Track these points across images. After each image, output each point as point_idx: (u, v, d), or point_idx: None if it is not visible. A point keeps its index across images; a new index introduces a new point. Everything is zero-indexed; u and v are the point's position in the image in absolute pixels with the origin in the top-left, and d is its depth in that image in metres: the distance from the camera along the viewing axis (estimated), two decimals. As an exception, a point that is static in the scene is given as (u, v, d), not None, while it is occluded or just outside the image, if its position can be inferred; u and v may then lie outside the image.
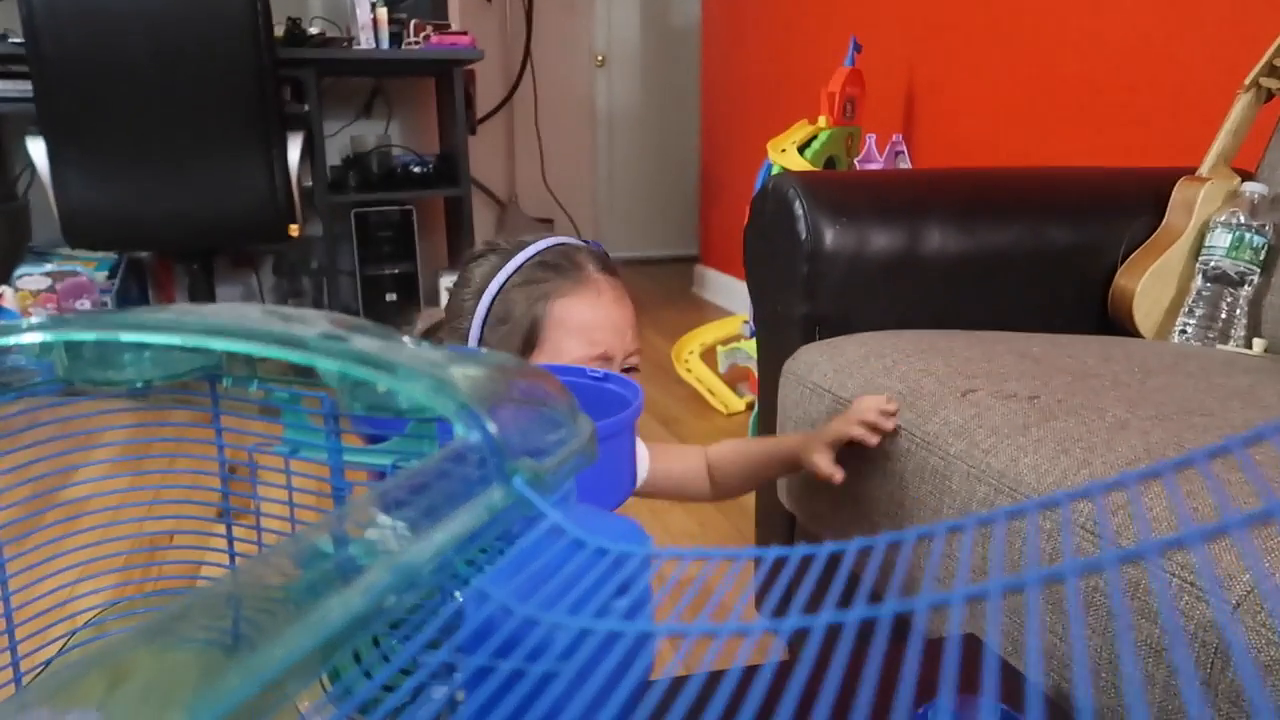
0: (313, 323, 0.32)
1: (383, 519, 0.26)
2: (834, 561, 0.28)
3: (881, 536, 0.29)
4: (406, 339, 0.37)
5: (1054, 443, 0.72)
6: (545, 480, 0.30)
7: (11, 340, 0.37)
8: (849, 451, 0.92)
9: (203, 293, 2.66)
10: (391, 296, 2.88)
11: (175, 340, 0.32)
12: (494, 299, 0.83)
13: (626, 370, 0.85)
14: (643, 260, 4.63)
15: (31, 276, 2.61)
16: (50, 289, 2.60)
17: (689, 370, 2.45)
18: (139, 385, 0.37)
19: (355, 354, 0.30)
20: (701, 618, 0.27)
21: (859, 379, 0.95)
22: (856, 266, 1.12)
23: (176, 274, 2.94)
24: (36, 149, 2.29)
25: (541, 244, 0.87)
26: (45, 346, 0.36)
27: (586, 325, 0.82)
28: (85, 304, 2.65)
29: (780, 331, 1.16)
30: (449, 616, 0.24)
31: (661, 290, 3.96)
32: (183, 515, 0.44)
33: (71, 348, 0.38)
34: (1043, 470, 0.70)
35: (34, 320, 0.37)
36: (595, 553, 0.28)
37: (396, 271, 2.88)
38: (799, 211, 1.11)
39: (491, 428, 0.29)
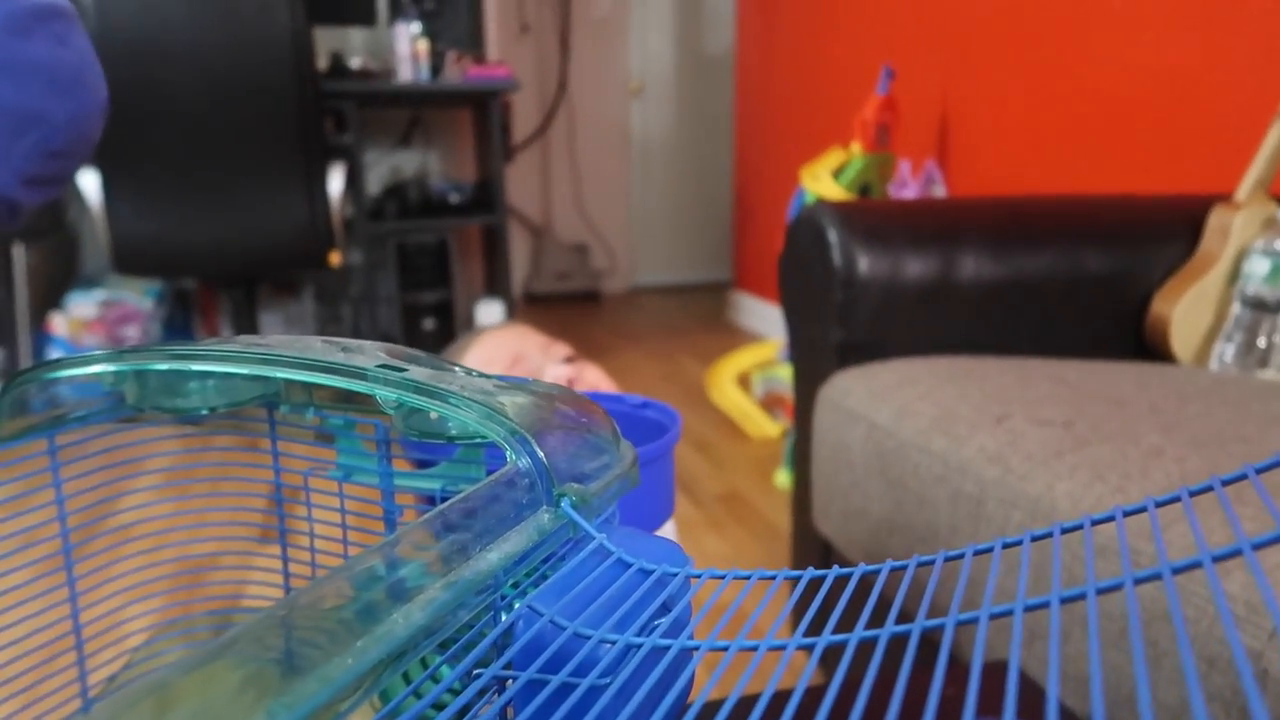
0: (370, 353, 0.34)
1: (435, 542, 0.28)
2: (867, 586, 0.30)
3: (912, 559, 0.30)
4: (457, 368, 0.39)
5: (1089, 469, 0.73)
6: (591, 504, 0.31)
7: (87, 370, 0.39)
8: (884, 478, 0.93)
9: (246, 319, 2.72)
10: (429, 323, 2.93)
11: (243, 370, 0.34)
12: None
13: (568, 360, 0.88)
14: (677, 286, 4.66)
15: (82, 305, 2.68)
16: (100, 317, 2.67)
17: (724, 396, 2.46)
18: (204, 412, 0.39)
19: (411, 383, 0.32)
20: (739, 638, 0.28)
21: (893, 405, 0.96)
22: (891, 293, 1.13)
23: (221, 301, 3.00)
24: (87, 181, 2.36)
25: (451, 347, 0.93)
26: (120, 375, 0.38)
27: (481, 362, 0.86)
28: (133, 331, 2.71)
29: (815, 358, 1.17)
30: (498, 633, 0.25)
31: (696, 316, 3.98)
32: (232, 537, 0.46)
33: (140, 376, 0.40)
34: (1077, 496, 0.70)
35: (104, 351, 0.39)
36: (639, 573, 0.29)
37: (434, 299, 2.92)
38: (833, 239, 1.13)
39: (540, 453, 0.31)
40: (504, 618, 0.28)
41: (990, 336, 1.17)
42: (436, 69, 2.80)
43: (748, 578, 0.31)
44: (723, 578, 0.29)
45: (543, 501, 0.30)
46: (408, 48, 2.71)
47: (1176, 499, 0.30)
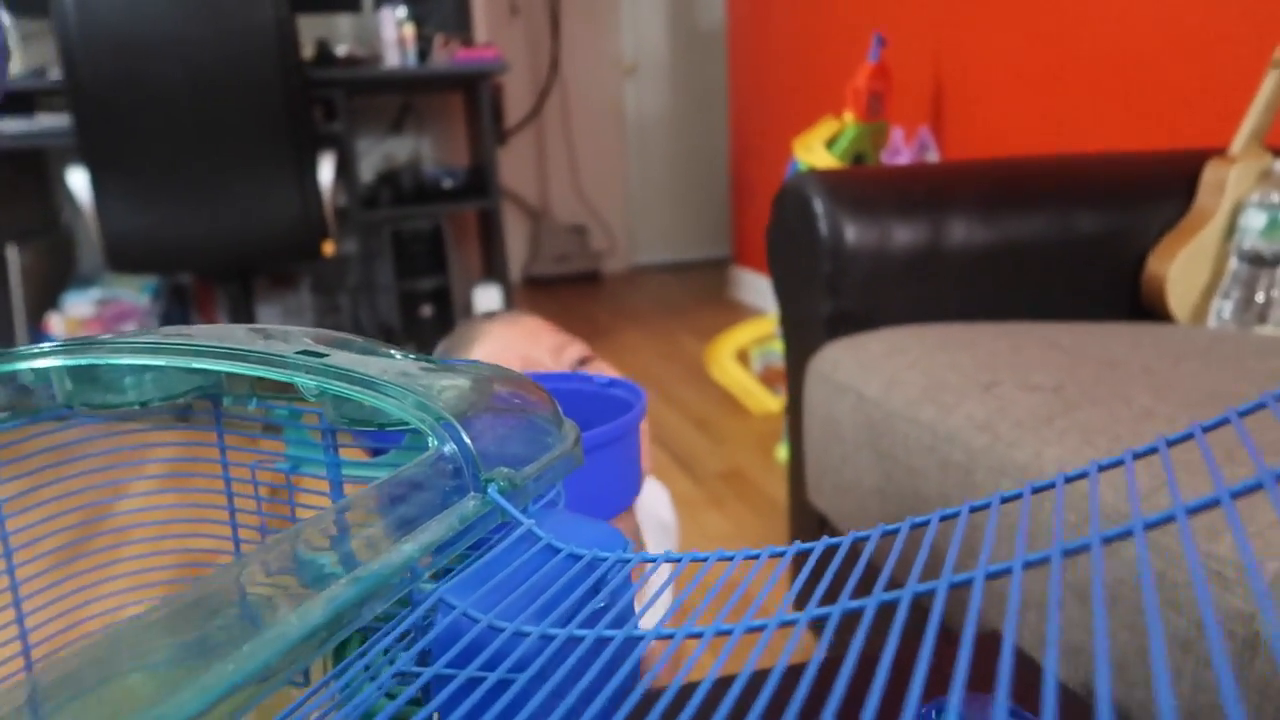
0: (294, 340, 0.33)
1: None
2: (859, 557, 0.28)
3: (905, 521, 0.29)
4: (395, 352, 0.38)
5: (1078, 434, 0.71)
6: (523, 488, 0.30)
7: (19, 366, 0.38)
8: (874, 450, 0.91)
9: (243, 313, 2.71)
10: (427, 310, 2.91)
11: (161, 362, 0.32)
12: None
13: (581, 364, 0.81)
14: (677, 264, 4.63)
15: (78, 304, 2.67)
16: (96, 315, 2.67)
17: (723, 372, 2.45)
18: (137, 406, 0.38)
19: (331, 369, 0.30)
20: (716, 621, 0.26)
21: (882, 375, 0.94)
22: (879, 262, 1.11)
23: (218, 296, 2.99)
24: (77, 179, 2.35)
25: (442, 343, 0.87)
26: (40, 373, 0.37)
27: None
28: (130, 328, 2.70)
29: (805, 331, 1.15)
30: (403, 628, 0.24)
31: (696, 293, 3.96)
32: (186, 534, 0.45)
33: (74, 372, 0.39)
34: (1065, 462, 0.69)
35: (39, 347, 0.38)
36: (568, 559, 0.28)
37: (431, 286, 2.90)
38: (818, 209, 1.11)
39: (465, 438, 0.29)
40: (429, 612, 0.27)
41: (983, 303, 1.15)
42: (424, 53, 2.78)
43: (705, 559, 0.29)
44: (654, 560, 0.27)
45: (469, 488, 0.29)
46: (394, 32, 2.68)
47: (1154, 449, 0.28)
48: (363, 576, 0.23)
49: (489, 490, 0.29)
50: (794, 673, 0.48)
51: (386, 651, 0.25)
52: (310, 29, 2.77)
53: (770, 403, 2.35)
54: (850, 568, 0.25)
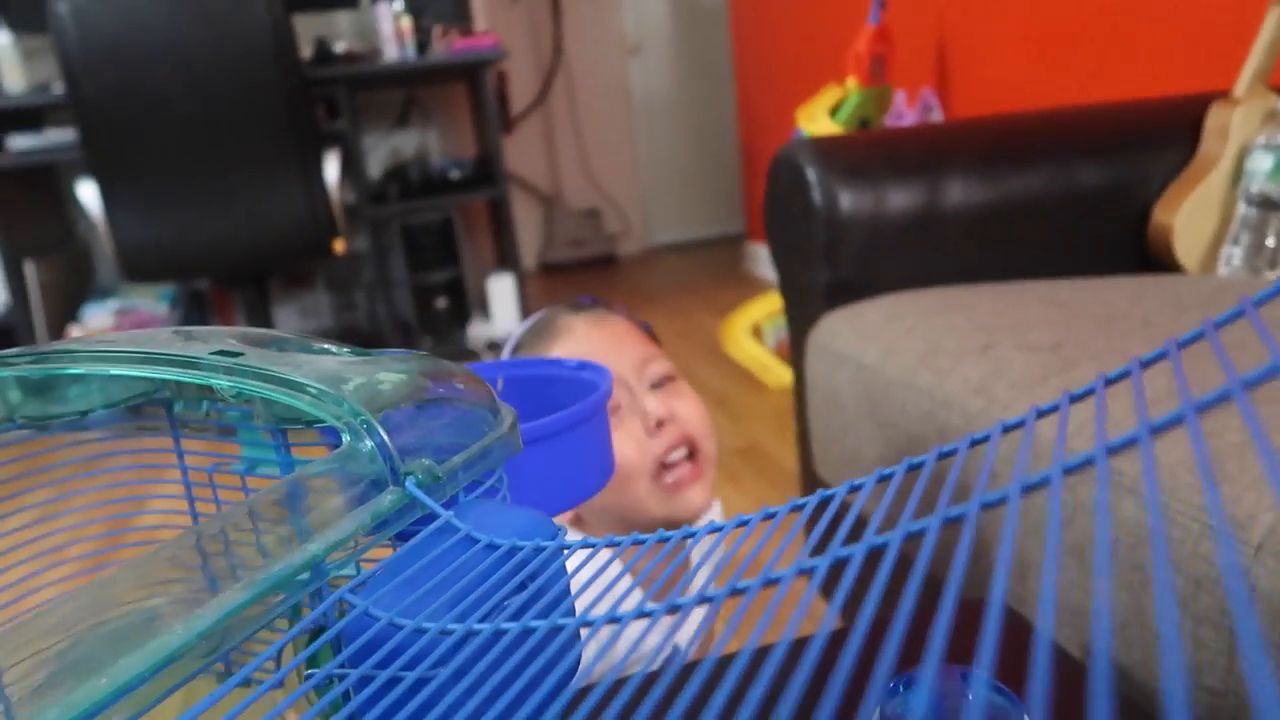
0: (215, 339, 0.32)
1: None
2: (866, 514, 0.27)
3: (902, 463, 0.28)
4: (330, 347, 0.37)
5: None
6: (445, 480, 0.29)
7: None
8: (874, 419, 0.90)
9: (259, 315, 2.73)
10: (442, 303, 2.92)
11: (80, 370, 0.32)
12: None
13: (658, 386, 0.77)
14: (693, 243, 4.61)
15: (98, 315, 2.70)
16: (116, 325, 2.69)
17: (739, 348, 2.43)
18: (79, 415, 0.38)
19: (247, 369, 0.30)
20: (673, 599, 0.26)
21: (880, 343, 0.93)
22: (876, 228, 1.09)
23: (234, 299, 3.02)
24: (87, 192, 2.37)
25: (523, 325, 0.82)
26: (-19, 386, 0.36)
27: None
28: (150, 337, 2.73)
29: (805, 302, 1.14)
30: (300, 629, 0.24)
31: (712, 271, 3.94)
32: (149, 542, 0.45)
33: (23, 383, 0.39)
34: (1058, 422, 0.67)
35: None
36: (485, 549, 0.27)
37: (444, 278, 2.91)
38: (811, 178, 1.09)
39: (383, 433, 0.29)
40: (339, 610, 0.27)
41: (984, 264, 1.13)
42: (424, 45, 2.77)
43: (666, 539, 0.29)
44: (569, 548, 0.26)
45: (388, 482, 0.28)
46: (391, 26, 2.68)
47: (1127, 373, 0.27)
48: (257, 579, 0.23)
49: (406, 483, 0.28)
50: (796, 647, 0.48)
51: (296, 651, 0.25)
52: (309, 27, 2.77)
53: (786, 376, 2.33)
54: (856, 527, 0.25)
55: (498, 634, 0.22)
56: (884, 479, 0.29)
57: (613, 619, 0.24)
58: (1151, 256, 1.17)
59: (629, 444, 0.73)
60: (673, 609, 0.23)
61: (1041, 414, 0.31)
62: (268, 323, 2.76)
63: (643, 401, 0.75)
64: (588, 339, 0.77)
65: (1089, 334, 0.80)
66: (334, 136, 2.65)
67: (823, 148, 1.12)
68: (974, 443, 0.30)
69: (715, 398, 2.30)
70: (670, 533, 0.28)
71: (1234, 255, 1.10)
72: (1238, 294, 0.91)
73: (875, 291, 1.08)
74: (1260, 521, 0.50)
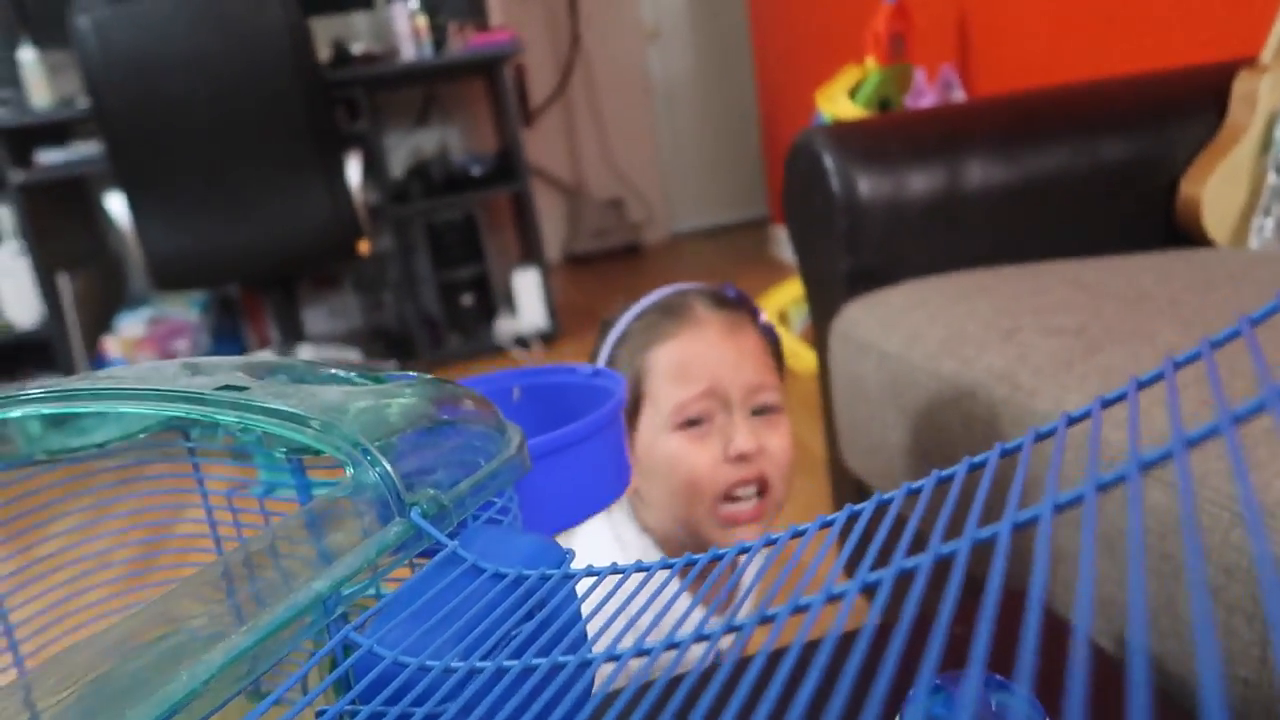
0: (222, 372, 0.33)
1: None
2: (902, 517, 0.27)
3: (931, 476, 0.28)
4: (339, 372, 0.37)
5: (1099, 378, 0.68)
6: (451, 508, 0.29)
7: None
8: (898, 407, 0.89)
9: (288, 318, 2.75)
10: (468, 299, 2.93)
11: (86, 409, 0.33)
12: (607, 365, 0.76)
13: (759, 413, 0.74)
14: (717, 228, 4.59)
15: (130, 325, 2.74)
16: (148, 334, 2.73)
17: (766, 335, 2.42)
18: (98, 447, 0.38)
19: (251, 404, 0.30)
20: (654, 635, 0.26)
21: (903, 331, 0.92)
22: (896, 214, 1.08)
23: (264, 303, 3.05)
24: (116, 203, 2.40)
25: (651, 298, 0.79)
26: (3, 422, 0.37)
27: (681, 363, 0.73)
28: (183, 344, 2.77)
29: (826, 290, 1.13)
30: (306, 670, 0.24)
31: (737, 256, 3.92)
32: (178, 564, 0.45)
33: (45, 418, 0.39)
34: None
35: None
36: (492, 578, 0.27)
37: (469, 274, 2.92)
38: (829, 165, 1.08)
39: (385, 464, 0.29)
40: (347, 647, 0.27)
41: (1007, 246, 1.11)
42: (440, 43, 2.77)
43: (645, 570, 0.28)
44: (572, 577, 0.26)
45: (394, 513, 0.28)
46: (407, 26, 2.68)
47: (1160, 376, 0.26)
48: (261, 624, 0.23)
49: (411, 514, 0.28)
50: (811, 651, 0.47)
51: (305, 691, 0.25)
52: (325, 30, 2.78)
53: (814, 361, 2.32)
54: (893, 534, 0.24)
55: (501, 670, 0.22)
56: (944, 480, 0.28)
57: (612, 657, 0.24)
58: (1180, 231, 1.15)
59: (705, 462, 0.72)
60: (732, 629, 0.23)
61: (1076, 419, 0.31)
62: (296, 325, 2.79)
63: (736, 428, 0.72)
64: (716, 346, 0.74)
65: (1115, 316, 0.78)
66: (355, 138, 2.67)
67: (840, 133, 1.11)
68: (1039, 437, 0.29)
69: (743, 385, 2.30)
70: (722, 550, 0.27)
71: (1266, 226, 1.08)
72: (1270, 267, 0.90)
73: (897, 278, 1.07)
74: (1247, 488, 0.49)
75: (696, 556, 0.26)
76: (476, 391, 0.35)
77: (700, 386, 0.72)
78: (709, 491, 0.72)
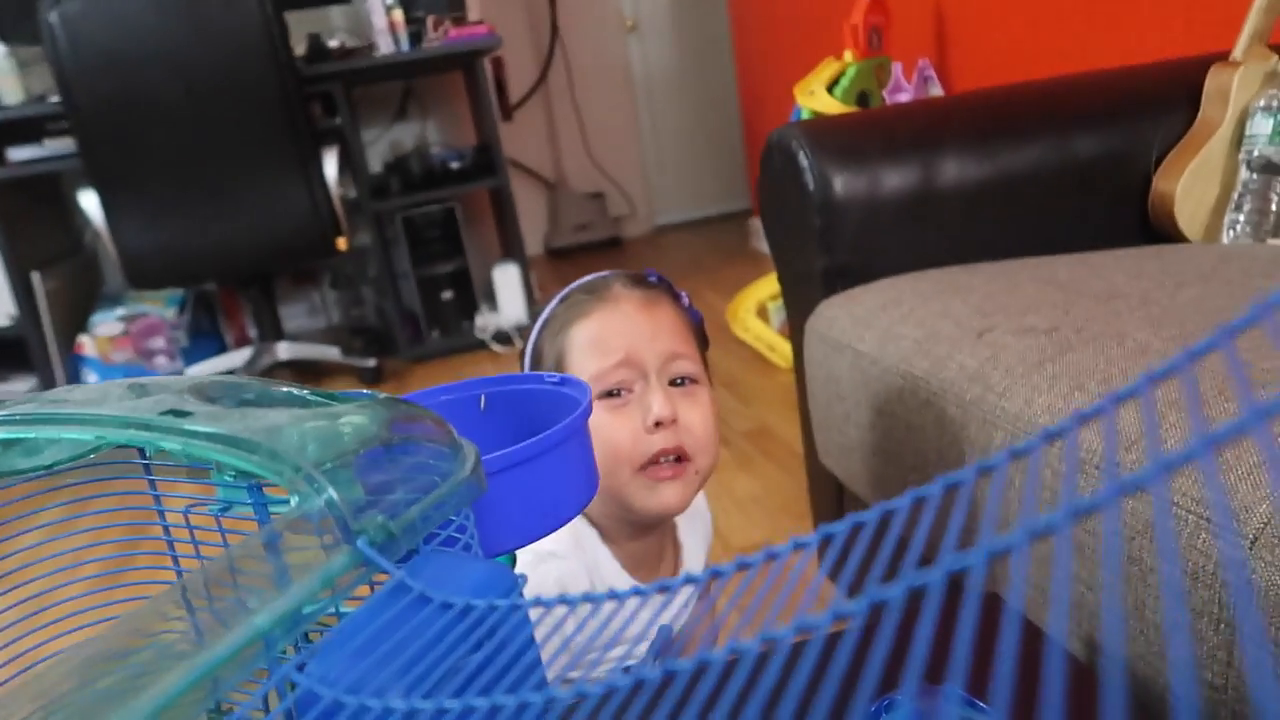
0: (166, 396, 0.32)
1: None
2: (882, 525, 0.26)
3: (907, 495, 0.27)
4: (292, 390, 0.37)
5: (1069, 379, 0.68)
6: (401, 534, 0.29)
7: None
8: (873, 408, 0.89)
9: (266, 316, 2.73)
10: (448, 294, 2.91)
11: (31, 434, 0.32)
12: (532, 352, 0.78)
13: (678, 384, 0.75)
14: (697, 221, 4.59)
15: (106, 323, 2.72)
16: (124, 333, 2.71)
17: (745, 329, 2.42)
18: (45, 470, 0.37)
19: (191, 430, 0.29)
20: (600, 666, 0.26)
21: (876, 330, 0.92)
22: (871, 211, 1.08)
23: (241, 301, 3.02)
24: (89, 201, 2.37)
25: (570, 286, 0.81)
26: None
27: (597, 336, 0.74)
28: (159, 343, 2.74)
29: (803, 288, 1.13)
30: (247, 709, 0.23)
31: (719, 249, 3.92)
32: (132, 582, 0.45)
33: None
34: (1056, 410, 0.66)
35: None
36: (440, 609, 0.27)
37: (450, 269, 2.90)
38: (804, 162, 1.08)
39: (332, 491, 0.28)
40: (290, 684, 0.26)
41: (983, 242, 1.11)
42: (418, 36, 2.75)
43: (591, 600, 0.28)
44: (519, 605, 0.26)
45: (341, 542, 0.28)
46: (383, 19, 2.66)
47: (1135, 393, 0.26)
48: (197, 665, 0.22)
49: (359, 542, 0.28)
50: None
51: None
52: (301, 24, 2.75)
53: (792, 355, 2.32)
54: (873, 546, 0.24)
55: (441, 710, 0.22)
56: (919, 501, 0.28)
57: (580, 695, 0.23)
58: (1154, 226, 1.15)
59: (625, 433, 0.72)
60: (702, 665, 0.23)
61: (1053, 435, 0.30)
62: (275, 323, 2.77)
63: (653, 395, 0.73)
64: (630, 317, 0.76)
65: (1087, 314, 0.78)
66: (332, 133, 2.65)
67: (815, 130, 1.11)
68: (1015, 454, 0.28)
69: (725, 380, 2.30)
70: (697, 575, 0.27)
71: (1238, 222, 1.08)
72: (1240, 263, 0.90)
73: (873, 275, 1.07)
74: (1257, 513, 0.49)
75: (645, 588, 0.26)
76: (431, 410, 0.34)
77: (616, 357, 0.73)
78: (630, 461, 0.72)
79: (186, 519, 0.43)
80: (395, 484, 0.31)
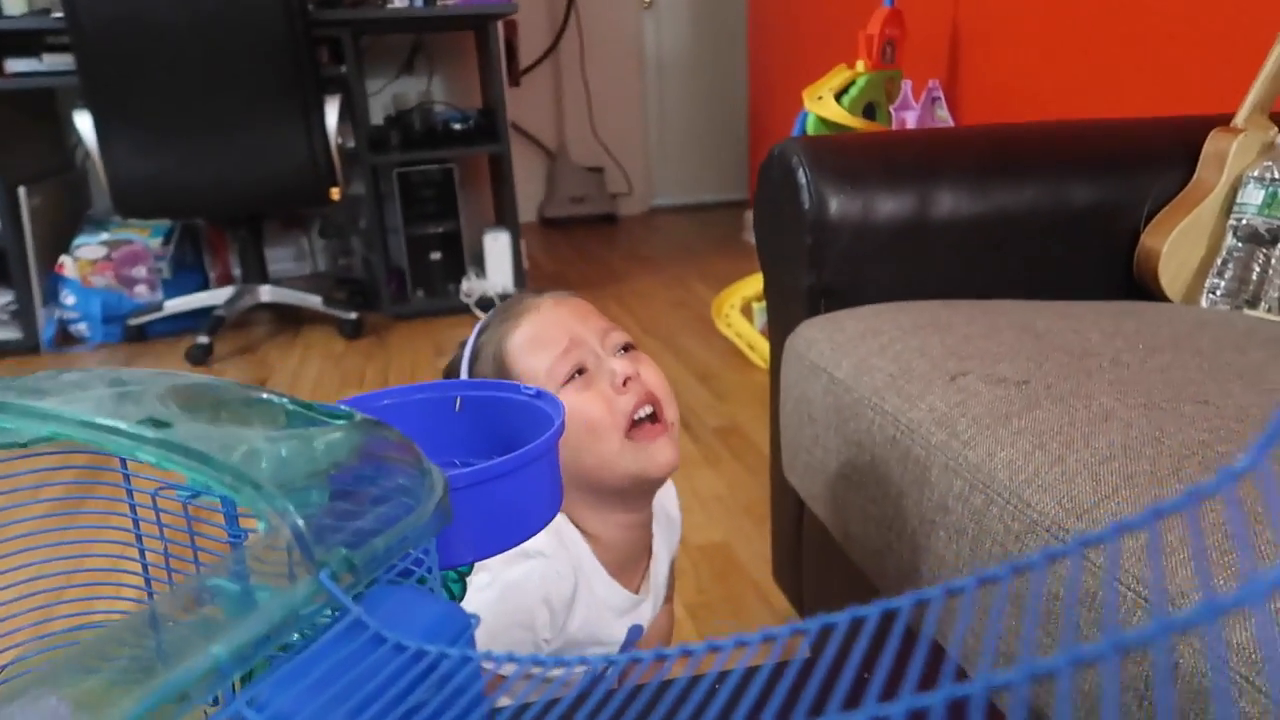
0: (148, 397, 0.32)
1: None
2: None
3: (907, 597, 0.27)
4: (272, 398, 0.37)
5: (1032, 435, 0.70)
6: (362, 566, 0.30)
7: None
8: (841, 434, 0.91)
9: (252, 256, 2.72)
10: (436, 255, 2.91)
11: (9, 424, 0.32)
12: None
13: (620, 352, 0.80)
14: (694, 206, 4.58)
15: (89, 246, 2.69)
16: (107, 258, 2.68)
17: (728, 325, 2.44)
18: (20, 447, 0.38)
19: (167, 443, 0.30)
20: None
21: (853, 358, 0.93)
22: (862, 235, 1.09)
23: (228, 239, 3.00)
24: (84, 122, 2.35)
25: (479, 323, 0.86)
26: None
27: (536, 335, 0.79)
28: (141, 271, 2.72)
29: (788, 304, 1.14)
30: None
31: (712, 238, 3.92)
32: (96, 554, 0.46)
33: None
34: (1016, 466, 0.68)
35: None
36: (394, 649, 0.28)
37: (441, 230, 2.89)
38: (802, 180, 1.08)
39: (299, 520, 0.29)
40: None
41: (970, 277, 1.13)
42: (433, -9, 2.73)
43: (541, 664, 0.29)
44: (475, 658, 0.27)
45: (304, 573, 0.29)
46: (400, -29, 2.63)
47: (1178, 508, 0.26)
48: (148, 694, 0.23)
49: (321, 576, 0.29)
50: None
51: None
52: (317, -33, 2.71)
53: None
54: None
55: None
56: (953, 593, 0.28)
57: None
58: (1135, 280, 1.17)
59: (599, 402, 0.76)
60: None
61: (1091, 543, 0.30)
62: (261, 265, 2.75)
63: (609, 363, 0.77)
64: (553, 312, 0.81)
65: (1058, 370, 0.80)
66: (336, 80, 2.62)
67: (816, 148, 1.11)
68: (1051, 557, 0.28)
69: (700, 372, 2.31)
70: (668, 650, 0.28)
71: (1218, 287, 1.10)
72: (1213, 333, 0.92)
73: (859, 298, 1.08)
74: (1190, 600, 0.51)
75: (616, 658, 0.27)
76: (401, 434, 0.35)
77: (561, 345, 0.77)
78: (614, 425, 0.75)
79: (154, 501, 0.44)
80: (363, 511, 0.32)
